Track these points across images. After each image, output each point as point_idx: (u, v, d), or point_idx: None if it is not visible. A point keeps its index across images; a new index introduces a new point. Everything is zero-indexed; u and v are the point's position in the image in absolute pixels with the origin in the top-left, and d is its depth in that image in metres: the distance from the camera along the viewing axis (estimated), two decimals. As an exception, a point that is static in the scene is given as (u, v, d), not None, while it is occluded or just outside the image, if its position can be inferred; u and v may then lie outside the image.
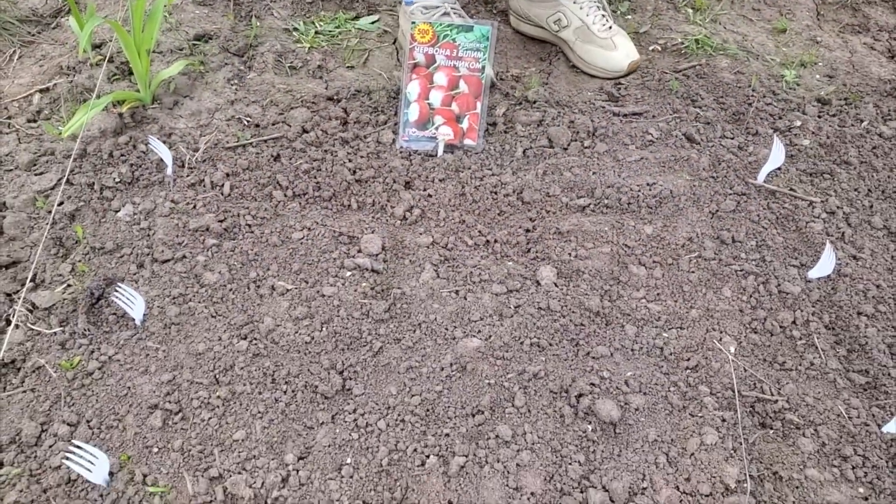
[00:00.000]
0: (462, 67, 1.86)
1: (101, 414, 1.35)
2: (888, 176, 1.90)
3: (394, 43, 2.25)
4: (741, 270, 1.66)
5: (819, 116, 2.06)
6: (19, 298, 1.50)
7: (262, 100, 1.96)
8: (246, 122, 1.89)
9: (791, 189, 1.84)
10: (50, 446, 1.30)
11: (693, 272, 1.65)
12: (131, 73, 1.98)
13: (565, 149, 1.91)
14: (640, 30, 2.35)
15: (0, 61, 2.07)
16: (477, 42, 1.83)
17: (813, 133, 1.99)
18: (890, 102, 2.13)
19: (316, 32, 2.23)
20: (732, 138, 1.96)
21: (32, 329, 1.47)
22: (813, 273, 1.65)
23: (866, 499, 1.32)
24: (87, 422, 1.33)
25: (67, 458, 1.23)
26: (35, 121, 1.90)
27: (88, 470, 1.21)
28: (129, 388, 1.39)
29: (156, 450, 1.31)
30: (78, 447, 1.24)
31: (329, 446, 1.33)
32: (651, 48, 2.29)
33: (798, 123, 2.01)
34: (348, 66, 2.13)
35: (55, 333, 1.46)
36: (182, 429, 1.34)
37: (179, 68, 1.91)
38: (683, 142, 1.94)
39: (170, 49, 2.10)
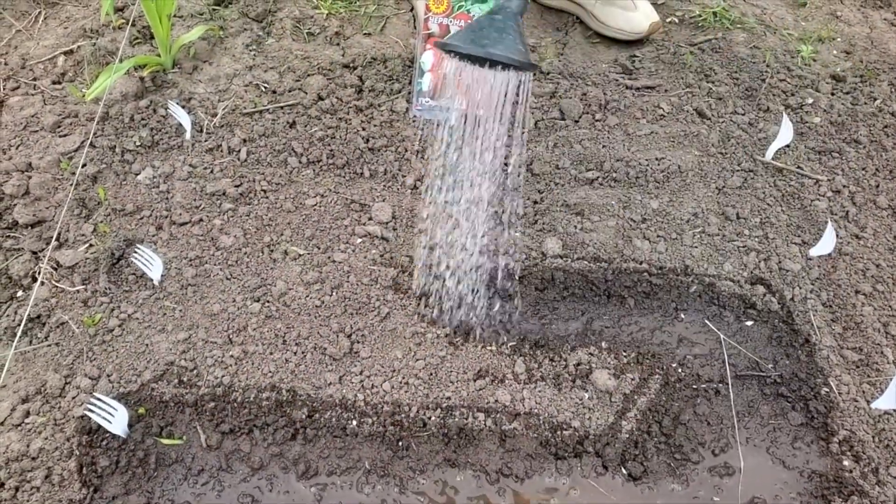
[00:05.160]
0: (476, 38, 1.87)
1: (121, 369, 1.42)
2: (898, 155, 1.91)
3: (411, 10, 2.27)
4: (743, 247, 1.69)
5: (832, 94, 2.06)
6: (44, 256, 1.57)
7: (279, 66, 2.00)
8: (263, 89, 1.93)
9: (798, 167, 1.86)
10: (73, 398, 1.37)
11: (696, 247, 1.68)
12: (152, 37, 2.02)
13: (576, 121, 1.93)
14: (658, 1, 2.35)
15: (25, 23, 2.12)
16: (491, 13, 1.85)
17: (824, 111, 2.00)
18: (906, 80, 2.12)
19: (334, -2, 2.25)
20: (743, 114, 1.98)
21: (57, 286, 1.54)
22: (814, 251, 1.68)
23: (850, 471, 1.37)
24: (108, 376, 1.41)
25: (90, 410, 1.30)
26: (59, 83, 1.95)
27: (108, 421, 1.29)
28: (146, 345, 1.46)
29: (172, 404, 1.38)
30: (99, 399, 1.32)
31: (336, 406, 1.40)
32: (668, 20, 2.29)
33: (810, 101, 2.01)
34: (365, 33, 2.16)
35: (78, 291, 1.53)
36: (196, 385, 1.41)
37: (199, 33, 1.95)
38: (694, 117, 1.96)
39: (190, 14, 2.13)
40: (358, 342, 1.49)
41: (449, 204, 1.47)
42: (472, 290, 1.51)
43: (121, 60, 1.88)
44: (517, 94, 1.28)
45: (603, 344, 1.53)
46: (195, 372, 1.43)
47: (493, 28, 1.22)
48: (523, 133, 1.41)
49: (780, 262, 1.67)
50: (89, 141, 1.76)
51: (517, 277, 1.58)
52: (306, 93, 1.92)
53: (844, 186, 1.82)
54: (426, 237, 1.56)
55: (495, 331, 1.53)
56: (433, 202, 1.49)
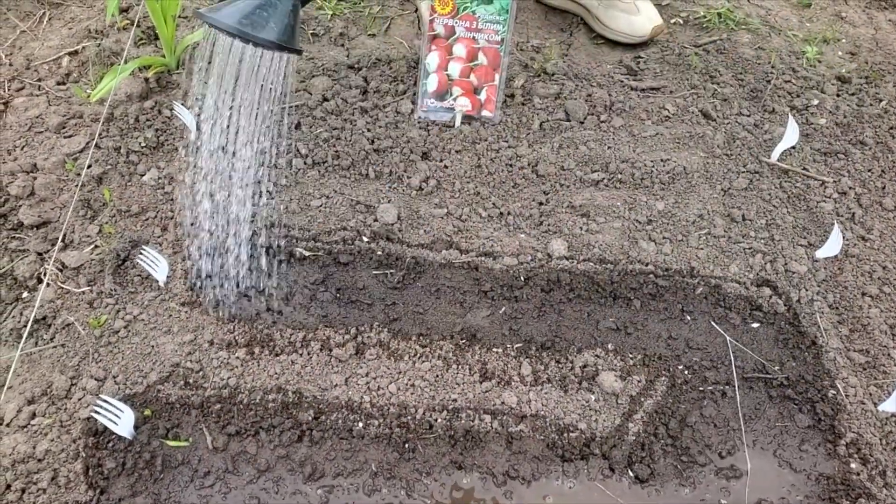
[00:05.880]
0: (481, 39, 1.87)
1: (127, 370, 1.42)
2: (903, 157, 1.91)
3: (415, 11, 2.26)
4: (749, 248, 1.69)
5: (838, 95, 2.06)
6: (50, 258, 1.57)
7: (284, 67, 1.99)
8: (268, 90, 1.93)
9: (804, 168, 1.86)
10: (79, 399, 1.37)
11: (702, 249, 1.68)
12: (157, 38, 2.02)
13: (581, 122, 1.93)
14: (663, 2, 2.35)
15: (30, 24, 2.12)
16: (496, 14, 1.85)
17: (830, 112, 1.99)
18: (911, 82, 2.12)
19: (338, -1, 2.25)
20: (749, 116, 1.97)
21: (62, 288, 1.54)
22: (820, 253, 1.67)
23: (857, 474, 1.36)
24: (114, 377, 1.41)
25: (96, 412, 1.30)
26: (64, 83, 1.95)
27: (114, 423, 1.29)
28: (152, 346, 1.46)
29: (178, 406, 1.38)
30: (105, 401, 1.31)
31: (342, 408, 1.40)
32: (672, 21, 2.28)
33: (815, 102, 2.01)
34: (370, 34, 2.16)
35: (83, 292, 1.53)
36: (202, 387, 1.41)
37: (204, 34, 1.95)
38: (699, 118, 1.96)
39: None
40: (364, 343, 1.49)
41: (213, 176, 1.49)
42: (240, 272, 1.53)
43: (126, 61, 1.88)
44: (273, 74, 1.29)
45: (609, 346, 1.53)
46: (201, 373, 1.42)
47: (255, 4, 1.22)
48: (285, 111, 1.44)
49: (786, 263, 1.66)
50: (94, 142, 1.76)
51: (281, 258, 1.60)
52: (311, 94, 1.92)
53: (850, 188, 1.82)
54: (191, 214, 1.55)
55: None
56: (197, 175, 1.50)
